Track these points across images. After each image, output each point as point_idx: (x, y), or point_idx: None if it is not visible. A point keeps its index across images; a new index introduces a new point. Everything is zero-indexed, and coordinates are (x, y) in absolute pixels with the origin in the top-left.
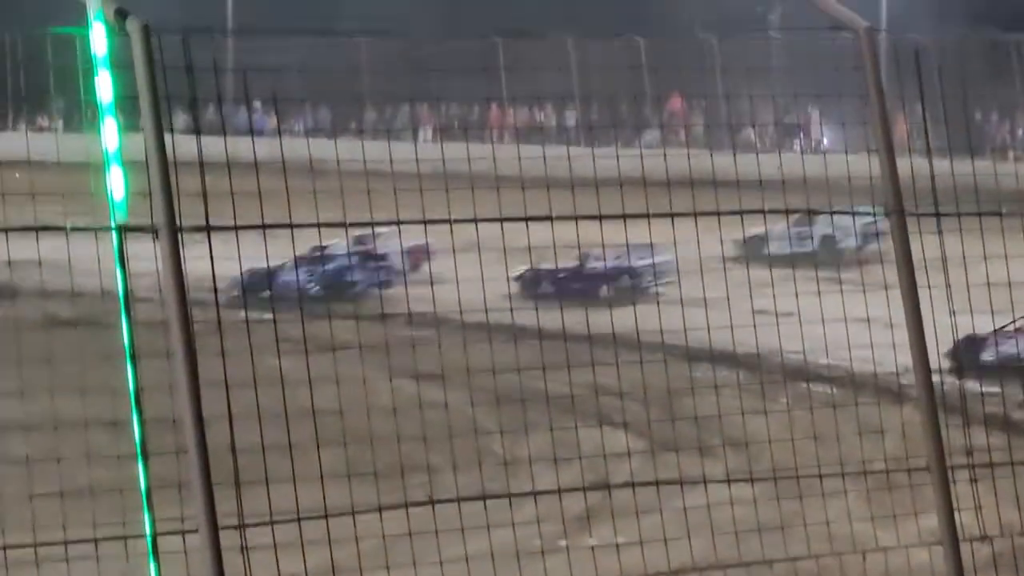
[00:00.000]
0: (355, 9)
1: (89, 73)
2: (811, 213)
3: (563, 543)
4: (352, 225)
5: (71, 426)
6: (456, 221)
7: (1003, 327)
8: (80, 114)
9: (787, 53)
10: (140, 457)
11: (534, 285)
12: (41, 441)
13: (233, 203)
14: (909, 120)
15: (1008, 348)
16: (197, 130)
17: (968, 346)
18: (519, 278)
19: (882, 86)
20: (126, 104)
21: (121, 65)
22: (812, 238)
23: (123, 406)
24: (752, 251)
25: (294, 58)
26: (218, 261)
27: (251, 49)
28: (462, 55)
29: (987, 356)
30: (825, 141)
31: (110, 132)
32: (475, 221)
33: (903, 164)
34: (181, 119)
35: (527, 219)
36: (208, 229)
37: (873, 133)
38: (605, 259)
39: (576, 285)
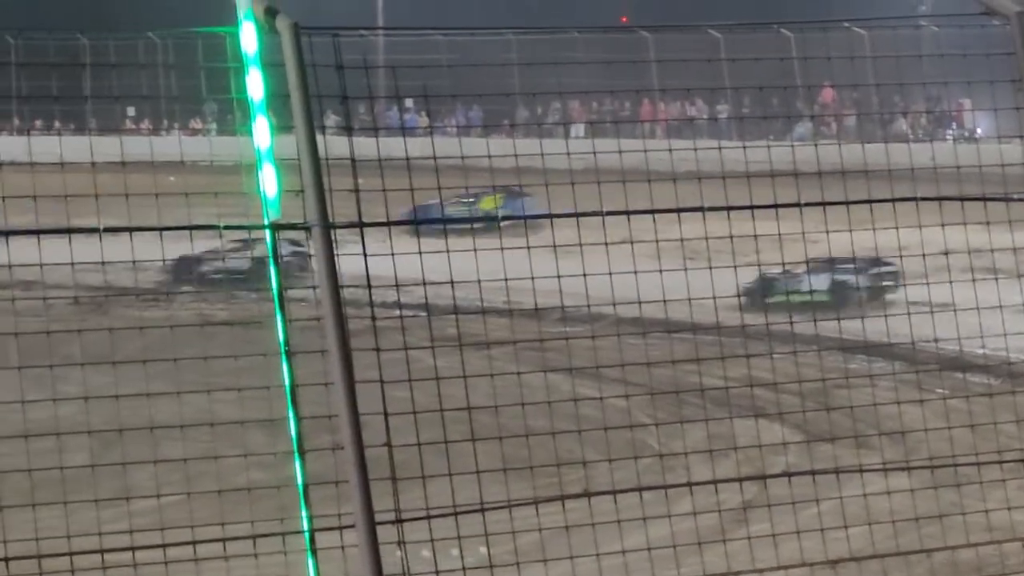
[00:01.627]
0: (504, 5)
1: (240, 73)
2: (963, 201)
3: (721, 535)
4: (504, 220)
5: (227, 426)
6: (608, 213)
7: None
8: (232, 115)
9: (937, 42)
10: (297, 454)
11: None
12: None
13: (386, 200)
14: None
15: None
16: (348, 128)
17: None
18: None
19: None
20: (277, 103)
21: (271, 64)
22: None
23: (278, 406)
24: None
25: (445, 56)
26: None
27: (401, 47)
28: (612, 49)
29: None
30: (979, 130)
31: (262, 130)
32: (627, 213)
33: None
34: (332, 118)
35: (679, 210)
36: (361, 225)
37: None
38: None
39: None
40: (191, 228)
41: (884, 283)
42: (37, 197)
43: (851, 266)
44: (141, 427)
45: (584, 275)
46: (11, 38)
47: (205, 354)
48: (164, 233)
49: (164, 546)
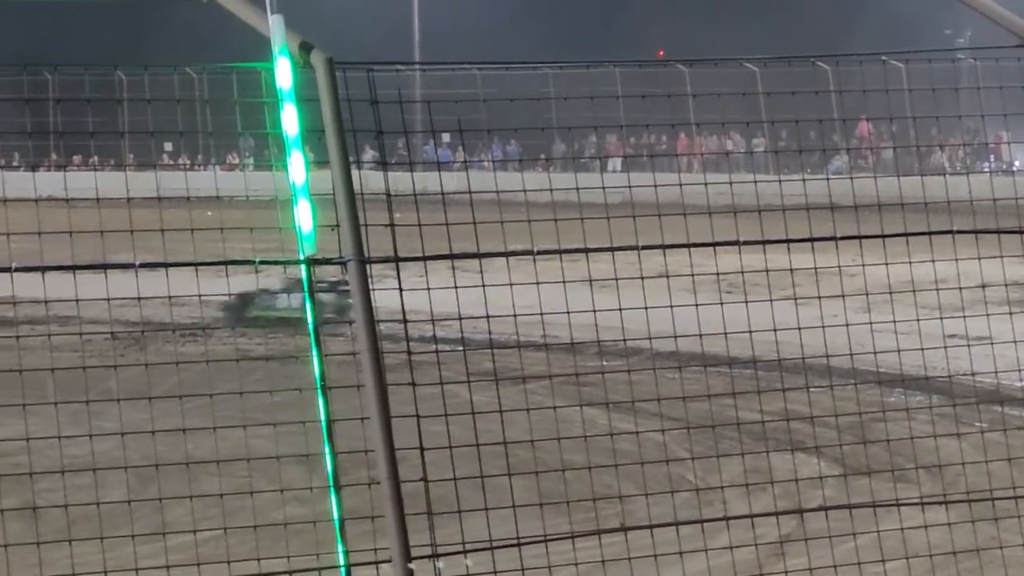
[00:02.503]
0: (541, 40)
1: (275, 108)
2: (1000, 233)
3: (758, 569)
4: (540, 253)
5: (263, 460)
6: (644, 248)
7: None
8: (267, 150)
9: (974, 75)
10: (333, 489)
11: None
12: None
13: (420, 234)
14: None
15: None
16: (383, 162)
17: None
18: None
19: None
20: (312, 138)
21: (306, 99)
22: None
23: (314, 441)
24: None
25: (481, 90)
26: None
27: (437, 81)
28: (649, 83)
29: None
30: (1017, 163)
31: (297, 166)
32: (663, 247)
33: None
34: (369, 152)
35: (715, 244)
36: (396, 260)
37: None
38: None
39: None
40: (227, 263)
41: (350, 300)
42: (73, 232)
43: (324, 284)
44: (178, 463)
45: (620, 309)
46: (48, 73)
47: (241, 389)
48: (200, 268)
49: None
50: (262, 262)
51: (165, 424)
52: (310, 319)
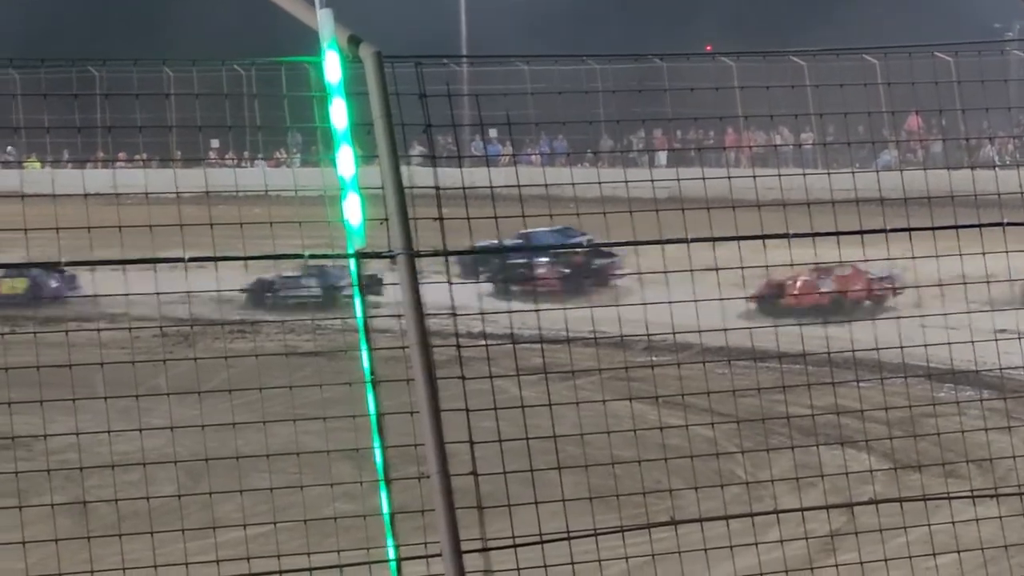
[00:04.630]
0: (593, 34)
1: (323, 102)
2: None
3: (809, 564)
4: (590, 247)
5: (313, 455)
6: (693, 241)
7: None
8: (316, 145)
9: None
10: (383, 483)
11: None
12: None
13: (470, 228)
14: None
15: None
16: (432, 156)
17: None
18: None
19: None
20: (360, 132)
21: (355, 93)
22: None
23: (363, 436)
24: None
25: (529, 84)
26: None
27: (485, 75)
28: (696, 78)
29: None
30: None
31: (346, 159)
32: (712, 240)
33: None
34: (418, 148)
35: (763, 237)
36: (446, 254)
37: None
38: None
39: None
40: (275, 257)
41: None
42: (123, 228)
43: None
44: (227, 457)
45: (670, 302)
46: (95, 69)
47: (290, 384)
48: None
49: None
50: (311, 256)
51: (214, 420)
52: (359, 313)
